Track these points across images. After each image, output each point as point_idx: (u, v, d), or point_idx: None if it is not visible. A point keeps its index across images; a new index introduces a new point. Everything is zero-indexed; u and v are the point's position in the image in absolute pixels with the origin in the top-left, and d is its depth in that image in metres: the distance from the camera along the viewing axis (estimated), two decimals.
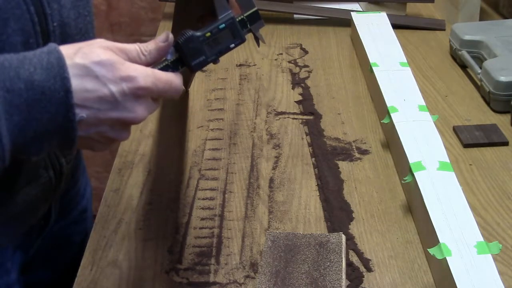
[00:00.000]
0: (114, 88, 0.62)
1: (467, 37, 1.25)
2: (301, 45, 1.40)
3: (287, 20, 1.52)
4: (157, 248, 0.85)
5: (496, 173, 0.97)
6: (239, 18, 0.71)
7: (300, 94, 1.20)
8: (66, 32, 0.76)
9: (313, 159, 1.01)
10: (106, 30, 1.97)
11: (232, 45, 0.70)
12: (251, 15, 0.71)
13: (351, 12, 1.39)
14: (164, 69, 0.68)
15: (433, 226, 0.78)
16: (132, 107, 0.64)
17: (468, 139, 1.03)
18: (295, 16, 1.52)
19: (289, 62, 1.32)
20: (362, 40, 1.24)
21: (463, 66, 1.26)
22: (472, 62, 1.21)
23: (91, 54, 0.62)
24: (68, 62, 0.61)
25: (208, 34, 0.69)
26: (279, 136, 1.07)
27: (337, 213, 0.90)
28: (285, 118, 1.12)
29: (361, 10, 1.53)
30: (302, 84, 1.23)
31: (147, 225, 0.89)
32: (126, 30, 1.99)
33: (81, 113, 0.61)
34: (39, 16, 0.71)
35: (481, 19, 1.43)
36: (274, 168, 0.99)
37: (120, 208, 0.92)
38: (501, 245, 0.75)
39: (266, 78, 1.26)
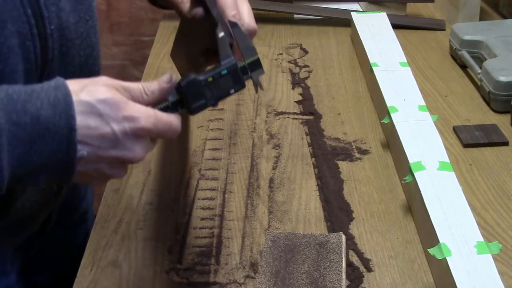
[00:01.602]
0: (116, 127, 0.63)
1: (467, 37, 1.25)
2: (301, 45, 1.40)
3: (287, 20, 1.52)
4: (157, 248, 0.85)
5: (496, 173, 0.97)
6: (241, 65, 0.71)
7: (300, 94, 1.20)
8: (65, 35, 0.76)
9: (313, 159, 1.01)
10: (106, 30, 1.97)
11: (232, 91, 0.71)
12: (252, 63, 0.72)
13: (351, 12, 1.39)
14: (164, 109, 0.68)
15: (433, 226, 0.78)
16: (132, 147, 0.64)
17: (468, 139, 1.03)
18: (295, 16, 1.52)
19: (289, 62, 1.32)
20: (362, 40, 1.24)
21: (463, 66, 1.26)
22: (472, 62, 1.21)
23: (96, 92, 0.63)
24: (74, 98, 0.62)
25: (210, 79, 0.69)
26: (279, 136, 1.07)
27: (337, 213, 0.90)
28: (285, 118, 1.12)
29: (361, 10, 1.53)
30: (302, 84, 1.23)
31: (147, 225, 0.89)
32: (126, 30, 1.99)
33: (82, 150, 0.62)
34: (36, 19, 0.71)
35: (481, 19, 1.43)
36: (274, 168, 0.99)
37: (120, 208, 0.92)
38: (501, 245, 0.75)
39: (266, 78, 1.26)
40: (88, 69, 0.83)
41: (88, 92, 0.63)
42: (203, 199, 0.93)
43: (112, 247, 0.85)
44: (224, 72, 0.70)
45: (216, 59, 0.72)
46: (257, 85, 0.74)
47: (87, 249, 0.85)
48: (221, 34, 0.72)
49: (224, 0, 0.77)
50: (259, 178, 0.97)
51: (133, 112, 0.64)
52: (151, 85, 0.68)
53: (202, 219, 0.90)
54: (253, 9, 1.60)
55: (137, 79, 1.69)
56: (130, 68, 2.04)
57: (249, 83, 0.72)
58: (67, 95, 0.61)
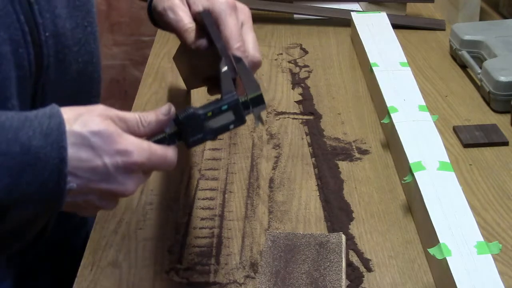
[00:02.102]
0: (108, 160, 0.62)
1: (467, 37, 1.25)
2: (301, 45, 1.40)
3: (287, 20, 1.52)
4: (157, 248, 0.85)
5: (496, 173, 0.97)
6: (243, 100, 0.70)
7: (300, 94, 1.20)
8: (61, 42, 0.75)
9: (313, 159, 1.01)
10: (106, 30, 1.97)
11: (232, 126, 0.69)
12: (255, 98, 0.70)
13: (351, 12, 1.39)
14: (160, 141, 0.67)
15: (433, 226, 0.78)
16: (123, 181, 0.63)
17: (468, 139, 1.03)
18: (295, 16, 1.52)
19: (289, 62, 1.32)
20: (362, 40, 1.25)
21: (463, 66, 1.26)
22: (472, 62, 1.21)
23: (90, 122, 0.62)
24: (67, 128, 0.61)
25: (210, 114, 0.68)
26: (279, 136, 1.07)
27: (337, 213, 0.90)
28: (285, 118, 1.12)
29: (361, 10, 1.53)
30: (302, 84, 1.23)
31: (147, 225, 0.89)
32: (126, 30, 1.99)
33: (72, 182, 0.61)
34: (30, 26, 0.70)
35: (481, 19, 1.43)
36: (274, 168, 0.99)
37: (120, 208, 0.92)
38: (501, 245, 0.75)
39: (266, 78, 1.26)
40: (88, 76, 0.82)
41: (82, 122, 0.62)
42: (203, 199, 0.93)
43: (112, 247, 0.85)
44: (225, 107, 0.68)
45: (217, 89, 0.71)
46: (258, 121, 0.72)
47: (87, 249, 0.85)
48: (224, 68, 0.71)
49: (229, 30, 0.76)
50: (259, 178, 0.97)
51: (126, 146, 0.62)
52: (148, 116, 0.66)
53: (202, 219, 0.90)
54: (253, 9, 1.61)
55: (137, 79, 1.69)
56: (130, 68, 2.04)
57: (250, 116, 0.71)
58: (60, 125, 0.60)
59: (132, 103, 1.19)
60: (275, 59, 1.33)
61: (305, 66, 1.30)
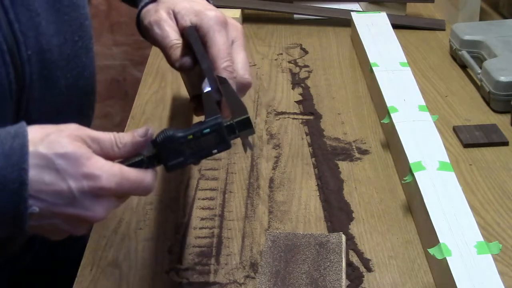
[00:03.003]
0: (73, 184, 0.59)
1: (467, 37, 1.25)
2: (301, 45, 1.40)
3: (287, 20, 1.52)
4: (157, 248, 0.85)
5: (496, 173, 0.97)
6: (228, 123, 0.65)
7: (300, 94, 1.20)
8: (46, 58, 0.73)
9: (313, 159, 1.01)
10: (106, 30, 1.97)
11: (215, 151, 0.65)
12: (241, 122, 0.66)
13: (351, 12, 1.39)
14: (138, 164, 0.63)
15: (433, 226, 0.78)
16: (90, 206, 0.60)
17: (468, 139, 1.03)
18: (295, 16, 1.52)
19: (289, 62, 1.32)
20: (362, 40, 1.24)
21: (463, 66, 1.26)
22: (472, 62, 1.21)
23: (57, 144, 0.59)
24: (31, 149, 0.58)
25: (191, 136, 0.64)
26: (279, 136, 1.07)
27: (337, 213, 0.90)
28: (285, 118, 1.12)
29: (361, 10, 1.53)
30: (302, 84, 1.23)
31: (147, 225, 0.89)
32: (126, 30, 1.99)
33: (34, 205, 0.58)
34: (9, 45, 0.68)
35: (481, 19, 1.43)
36: (274, 168, 0.99)
37: (120, 208, 0.91)
38: (501, 245, 0.75)
39: (266, 78, 1.26)
40: (79, 90, 0.80)
41: (48, 143, 0.59)
42: (203, 199, 0.93)
43: (112, 247, 0.85)
44: (207, 130, 0.64)
45: (202, 110, 0.67)
46: (246, 146, 0.69)
47: (87, 249, 0.85)
48: (207, 89, 0.67)
49: (217, 48, 0.72)
50: (259, 178, 0.97)
51: (94, 170, 0.59)
52: (124, 137, 0.63)
53: (202, 219, 0.90)
54: (253, 9, 1.61)
55: (137, 79, 1.69)
56: (130, 68, 2.04)
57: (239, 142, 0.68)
58: (23, 146, 0.58)
59: (132, 103, 1.19)
60: (275, 59, 1.33)
61: (305, 66, 1.30)
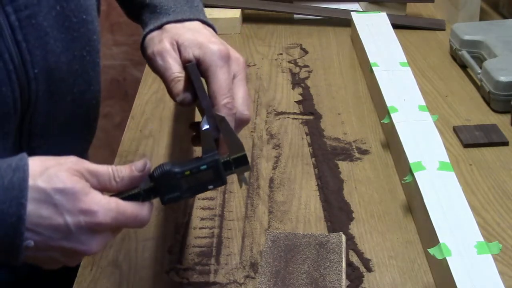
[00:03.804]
0: (70, 220, 0.59)
1: (467, 37, 1.25)
2: (301, 45, 1.40)
3: (287, 20, 1.52)
4: (157, 248, 0.85)
5: (496, 173, 0.97)
6: (225, 159, 0.67)
7: (300, 94, 1.20)
8: (53, 76, 0.73)
9: (313, 159, 1.01)
10: (106, 30, 1.97)
11: (211, 187, 0.67)
12: (238, 159, 0.68)
13: (351, 12, 1.39)
14: (135, 197, 0.64)
15: (433, 226, 0.78)
16: (86, 240, 0.61)
17: (468, 139, 1.03)
18: (295, 16, 1.52)
19: (289, 62, 1.32)
20: (362, 40, 1.25)
21: (463, 66, 1.26)
22: (472, 62, 1.21)
23: (56, 178, 0.59)
24: (31, 183, 0.59)
25: (188, 172, 0.65)
26: (279, 136, 1.07)
27: (337, 213, 0.90)
28: (285, 118, 1.12)
29: (361, 10, 1.53)
30: (302, 84, 1.23)
31: (147, 225, 0.88)
32: (126, 30, 1.99)
33: (30, 238, 0.59)
34: (15, 64, 0.68)
35: (481, 19, 1.43)
36: (274, 168, 0.99)
37: None
38: (501, 245, 0.75)
39: (266, 78, 1.26)
40: (85, 104, 0.80)
41: (47, 177, 0.59)
42: (203, 199, 0.93)
43: (112, 247, 0.85)
44: (204, 167, 0.66)
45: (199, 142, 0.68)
46: (242, 182, 0.70)
47: None
48: (205, 126, 0.68)
49: (218, 84, 0.72)
50: (259, 178, 0.97)
51: (91, 205, 0.60)
52: (122, 171, 0.63)
53: (202, 219, 0.90)
54: (253, 9, 1.61)
55: (137, 79, 1.69)
56: (130, 68, 2.04)
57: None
58: (23, 180, 0.58)
59: (132, 103, 1.19)
60: (275, 59, 1.33)
61: (305, 66, 1.30)
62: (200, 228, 0.88)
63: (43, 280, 0.96)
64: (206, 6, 1.48)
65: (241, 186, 0.73)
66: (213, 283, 0.79)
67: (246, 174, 0.71)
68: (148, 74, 1.28)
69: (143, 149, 1.05)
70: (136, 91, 1.23)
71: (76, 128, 0.82)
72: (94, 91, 0.81)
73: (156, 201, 0.92)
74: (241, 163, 0.68)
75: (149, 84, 1.24)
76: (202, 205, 0.92)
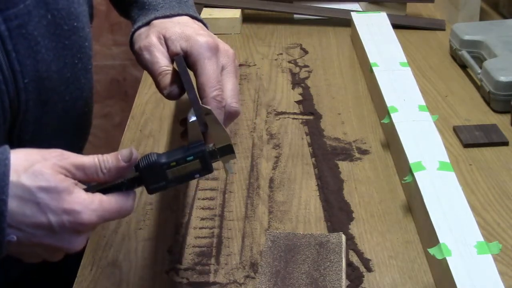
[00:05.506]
0: (53, 219, 0.59)
1: (467, 37, 1.25)
2: (301, 45, 1.40)
3: (287, 20, 1.52)
4: (157, 248, 0.85)
5: (496, 173, 0.97)
6: (210, 149, 0.67)
7: (300, 94, 1.20)
8: (45, 85, 0.72)
9: (313, 159, 1.01)
10: (106, 30, 1.97)
11: (197, 175, 0.67)
12: (223, 148, 0.68)
13: (351, 12, 1.39)
14: (118, 186, 0.64)
15: (433, 226, 0.78)
16: (69, 239, 0.61)
17: (468, 139, 1.03)
18: (295, 16, 1.52)
19: (289, 62, 1.32)
20: (362, 40, 1.25)
21: (463, 66, 1.26)
22: (472, 62, 1.21)
23: (40, 176, 0.59)
24: (14, 178, 0.58)
25: (174, 163, 0.65)
26: (279, 136, 1.07)
27: (337, 213, 0.90)
28: (285, 118, 1.12)
29: (361, 10, 1.53)
30: (302, 84, 1.23)
31: (147, 225, 0.89)
32: (126, 30, 1.98)
33: (12, 235, 0.59)
34: (4, 75, 0.68)
35: (481, 19, 1.43)
36: (274, 168, 0.99)
37: None
38: (501, 245, 0.75)
39: (266, 78, 1.26)
40: (77, 111, 0.80)
41: (31, 174, 0.59)
42: (203, 199, 0.93)
43: (112, 247, 0.85)
44: (190, 158, 0.66)
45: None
46: (228, 170, 0.70)
47: (87, 249, 0.85)
48: (192, 118, 0.67)
49: (206, 77, 0.71)
50: (259, 178, 0.97)
51: (75, 205, 0.60)
52: (109, 161, 0.63)
53: (202, 219, 0.90)
54: (253, 9, 1.61)
55: (137, 79, 1.69)
56: (130, 68, 2.04)
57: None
58: (4, 176, 0.58)
59: (132, 103, 1.19)
60: (275, 59, 1.33)
61: (305, 66, 1.30)
62: (200, 228, 0.88)
63: (43, 280, 0.97)
64: (206, 6, 1.49)
65: (226, 175, 0.73)
66: (213, 283, 0.79)
67: (232, 161, 0.70)
68: (148, 74, 1.28)
69: (143, 149, 1.05)
70: (136, 91, 1.23)
71: (68, 134, 0.82)
72: (86, 98, 0.81)
73: (156, 201, 0.93)
74: (227, 151, 0.68)
75: (149, 84, 1.24)
76: (202, 205, 0.92)
